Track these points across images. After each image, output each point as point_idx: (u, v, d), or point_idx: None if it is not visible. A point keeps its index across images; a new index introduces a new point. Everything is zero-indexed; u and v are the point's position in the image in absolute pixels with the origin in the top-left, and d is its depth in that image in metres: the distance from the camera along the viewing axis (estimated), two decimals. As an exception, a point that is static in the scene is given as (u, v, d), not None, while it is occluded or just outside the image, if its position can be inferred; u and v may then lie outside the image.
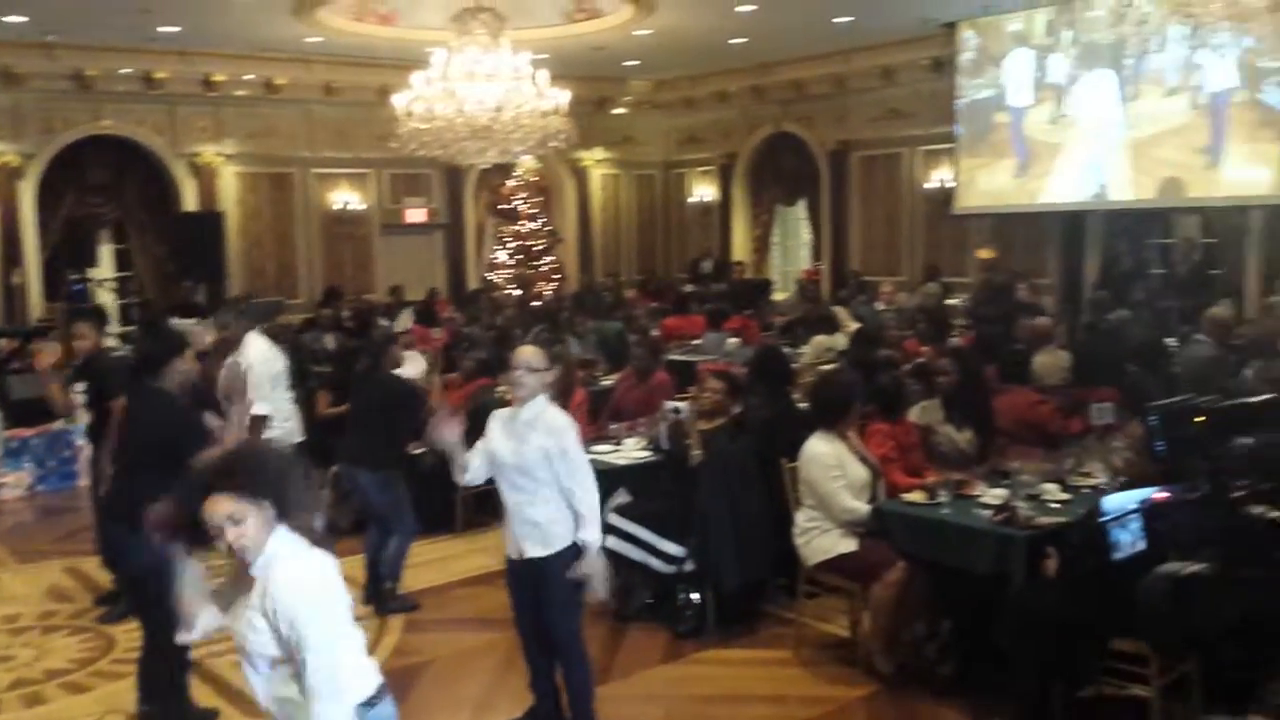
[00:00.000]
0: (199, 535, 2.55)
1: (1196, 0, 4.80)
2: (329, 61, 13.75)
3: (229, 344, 6.52)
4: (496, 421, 4.31)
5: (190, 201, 13.69)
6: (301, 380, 7.60)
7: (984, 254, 13.29)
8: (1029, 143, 12.45)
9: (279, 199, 14.38)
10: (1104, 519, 2.74)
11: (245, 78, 13.72)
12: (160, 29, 11.58)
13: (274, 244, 14.39)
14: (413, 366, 8.96)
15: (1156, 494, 2.86)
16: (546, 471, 4.13)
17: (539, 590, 4.22)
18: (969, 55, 12.82)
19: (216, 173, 13.82)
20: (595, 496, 4.22)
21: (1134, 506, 2.78)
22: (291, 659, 2.53)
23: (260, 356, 6.33)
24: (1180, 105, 11.15)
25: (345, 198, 14.76)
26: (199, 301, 12.70)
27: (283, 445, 5.52)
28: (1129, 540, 2.73)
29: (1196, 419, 2.99)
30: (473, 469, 4.28)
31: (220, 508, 2.50)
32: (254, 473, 2.55)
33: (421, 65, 9.72)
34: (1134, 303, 9.80)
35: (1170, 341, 8.05)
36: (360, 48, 12.79)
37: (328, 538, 2.72)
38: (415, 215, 15.39)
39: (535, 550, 4.19)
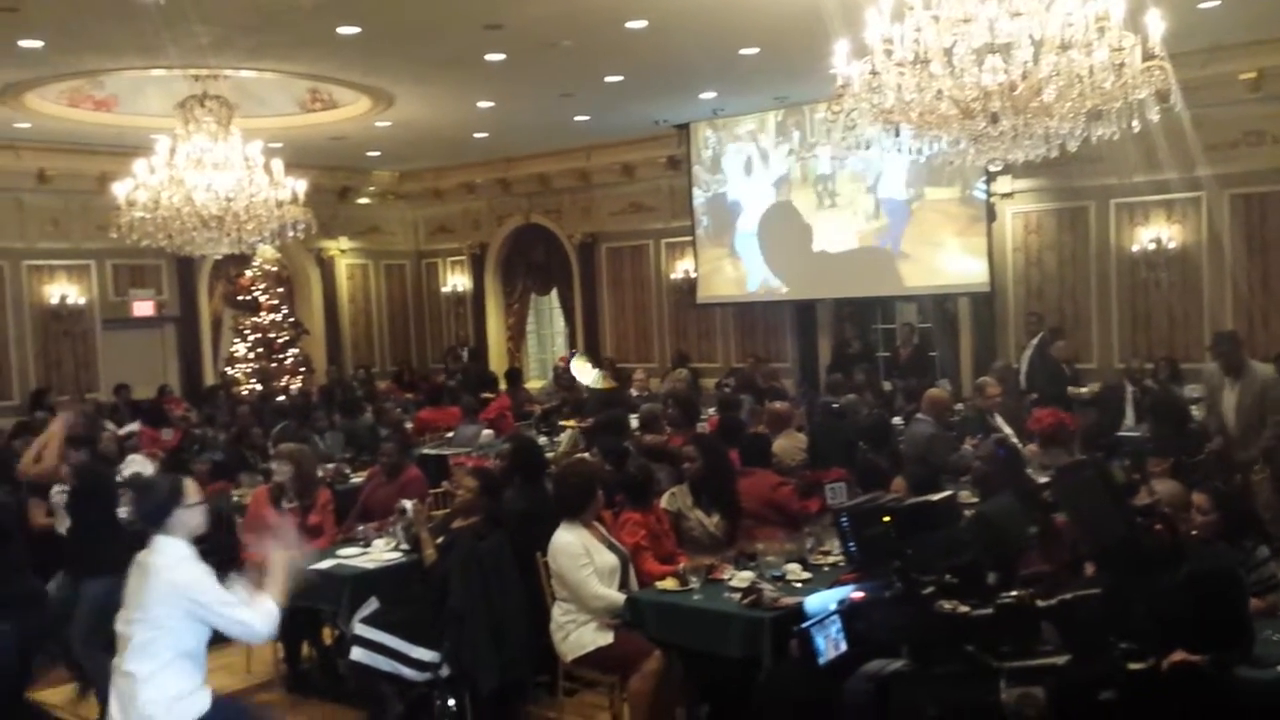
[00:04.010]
0: None
1: (897, 109, 5.25)
2: (41, 148, 12.77)
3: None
4: None
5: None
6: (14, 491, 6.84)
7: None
8: (758, 237, 13.18)
9: (-14, 293, 13.13)
10: (805, 624, 2.80)
11: (-53, 165, 12.53)
12: None
13: (-21, 342, 13.09)
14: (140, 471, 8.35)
15: (854, 594, 2.96)
16: None
17: None
18: (703, 153, 13.50)
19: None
20: None
21: (833, 609, 2.86)
22: None
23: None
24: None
25: (63, 291, 13.65)
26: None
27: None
28: (829, 644, 2.81)
29: (884, 518, 3.11)
30: None
31: None
32: None
33: (145, 152, 9.30)
34: (858, 384, 10.45)
35: (896, 421, 8.63)
36: (75, 134, 11.95)
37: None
38: (143, 308, 14.41)
39: None
